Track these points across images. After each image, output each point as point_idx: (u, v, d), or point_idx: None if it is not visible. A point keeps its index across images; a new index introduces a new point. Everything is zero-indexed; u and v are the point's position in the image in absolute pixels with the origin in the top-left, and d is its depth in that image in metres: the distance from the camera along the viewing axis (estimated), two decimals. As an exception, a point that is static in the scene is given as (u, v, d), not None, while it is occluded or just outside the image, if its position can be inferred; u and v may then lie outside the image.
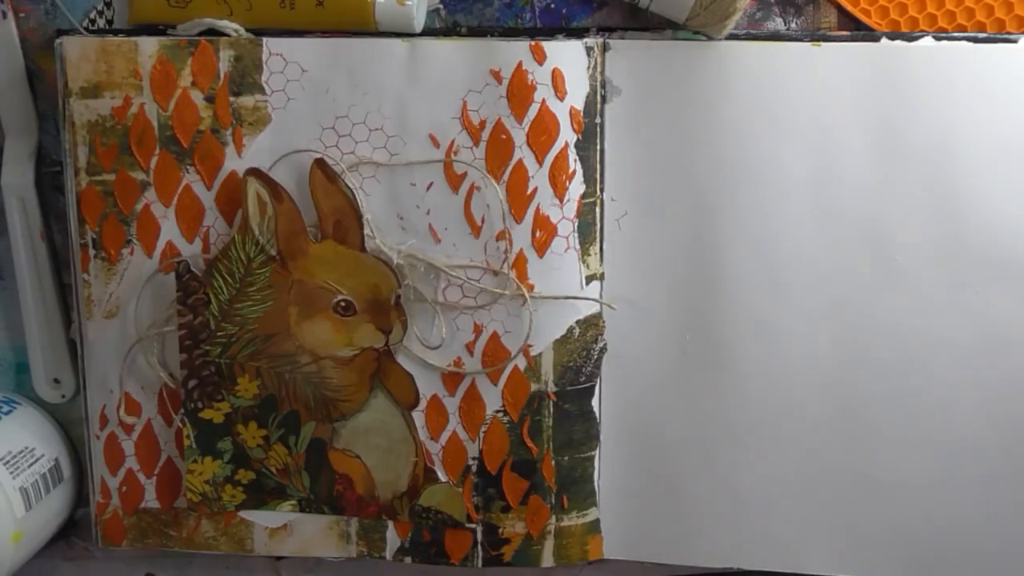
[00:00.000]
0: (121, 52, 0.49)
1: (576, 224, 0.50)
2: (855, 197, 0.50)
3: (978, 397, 0.50)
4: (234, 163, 0.50)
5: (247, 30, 0.49)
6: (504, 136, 0.49)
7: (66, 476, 0.53)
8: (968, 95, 0.49)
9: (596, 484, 0.52)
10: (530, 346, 0.50)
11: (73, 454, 0.54)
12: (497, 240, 0.49)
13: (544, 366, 0.50)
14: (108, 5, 0.51)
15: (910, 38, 0.49)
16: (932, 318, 0.50)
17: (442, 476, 0.51)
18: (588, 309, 0.51)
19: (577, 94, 0.49)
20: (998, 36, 0.49)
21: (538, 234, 0.49)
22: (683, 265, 0.51)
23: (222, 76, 0.49)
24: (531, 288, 0.49)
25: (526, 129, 0.49)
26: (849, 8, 0.51)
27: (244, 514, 0.52)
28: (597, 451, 0.52)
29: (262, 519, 0.52)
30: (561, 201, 0.49)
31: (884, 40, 0.49)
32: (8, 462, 0.49)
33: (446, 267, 0.49)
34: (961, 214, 0.49)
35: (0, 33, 0.51)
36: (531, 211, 0.49)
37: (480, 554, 0.52)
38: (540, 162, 0.49)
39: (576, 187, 0.50)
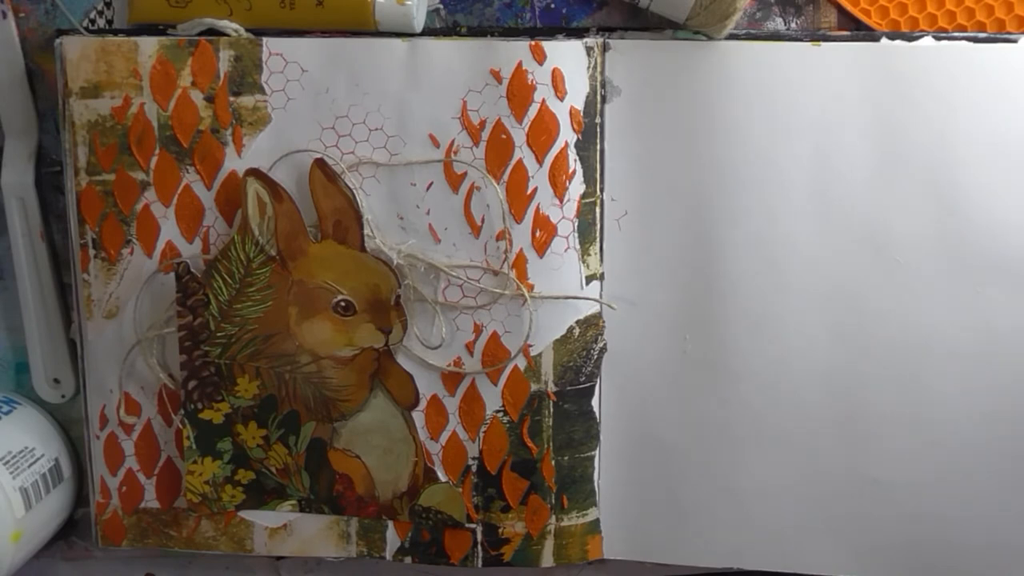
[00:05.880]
0: (121, 52, 0.49)
1: (576, 224, 0.50)
2: (855, 197, 0.50)
3: (978, 397, 0.50)
4: (234, 163, 0.50)
5: (247, 30, 0.49)
6: (504, 136, 0.49)
7: (66, 476, 0.53)
8: (968, 95, 0.49)
9: (596, 484, 0.52)
10: (530, 346, 0.50)
11: (73, 454, 0.54)
12: (497, 240, 0.49)
13: (544, 366, 0.50)
14: (108, 5, 0.51)
15: (910, 38, 0.49)
16: (933, 318, 0.50)
17: (442, 476, 0.51)
18: (588, 309, 0.51)
19: (577, 94, 0.49)
20: (998, 36, 0.49)
21: (538, 234, 0.49)
22: (683, 265, 0.51)
23: (222, 76, 0.49)
24: (531, 288, 0.49)
25: (526, 129, 0.49)
26: (849, 8, 0.51)
27: (244, 514, 0.52)
28: (597, 451, 0.52)
29: (262, 519, 0.52)
30: (561, 201, 0.49)
31: (884, 40, 0.49)
32: (8, 462, 0.49)
33: (446, 267, 0.49)
34: (961, 213, 0.49)
35: (0, 33, 0.51)
36: (531, 211, 0.49)
37: (480, 554, 0.52)
38: (540, 162, 0.49)
39: (576, 187, 0.50)
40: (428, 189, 0.49)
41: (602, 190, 0.51)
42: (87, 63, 0.49)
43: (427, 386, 0.51)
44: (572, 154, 0.49)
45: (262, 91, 0.49)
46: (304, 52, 0.49)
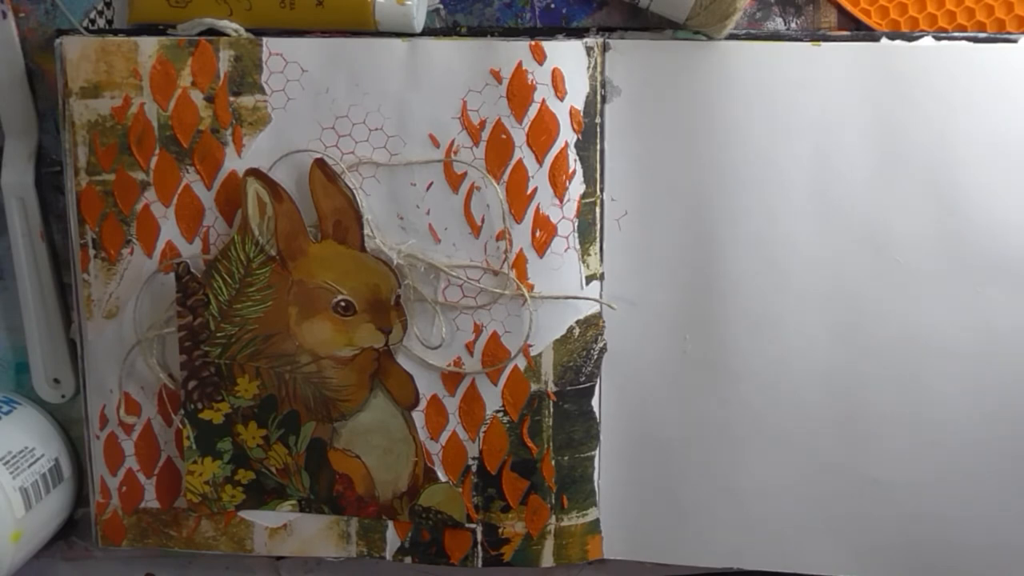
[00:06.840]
0: (121, 52, 0.49)
1: (576, 224, 0.50)
2: (855, 197, 0.50)
3: (979, 397, 0.50)
4: (234, 163, 0.50)
5: (247, 30, 0.49)
6: (504, 136, 0.49)
7: (66, 476, 0.53)
8: (968, 95, 0.49)
9: (596, 484, 0.52)
10: (530, 346, 0.50)
11: (73, 454, 0.54)
12: (497, 240, 0.49)
13: (544, 366, 0.50)
14: (108, 5, 0.51)
15: (910, 38, 0.49)
16: (933, 318, 0.50)
17: (442, 476, 0.51)
18: (588, 309, 0.51)
19: (577, 94, 0.49)
20: (998, 36, 0.49)
21: (538, 234, 0.49)
22: (683, 265, 0.51)
23: (222, 76, 0.49)
24: (531, 288, 0.49)
25: (526, 129, 0.49)
26: (849, 8, 0.51)
27: (244, 514, 0.52)
28: (597, 451, 0.52)
29: (262, 519, 0.52)
30: (561, 201, 0.49)
31: (884, 40, 0.49)
32: (8, 462, 0.49)
33: (446, 267, 0.49)
34: (961, 213, 0.49)
35: (0, 33, 0.51)
36: (531, 211, 0.49)
37: (480, 554, 0.52)
38: (540, 162, 0.49)
39: (576, 187, 0.50)
40: (428, 189, 0.49)
41: (602, 190, 0.51)
42: (87, 63, 0.49)
43: (427, 386, 0.51)
44: (572, 154, 0.49)
45: (262, 91, 0.49)
46: (304, 52, 0.49)
